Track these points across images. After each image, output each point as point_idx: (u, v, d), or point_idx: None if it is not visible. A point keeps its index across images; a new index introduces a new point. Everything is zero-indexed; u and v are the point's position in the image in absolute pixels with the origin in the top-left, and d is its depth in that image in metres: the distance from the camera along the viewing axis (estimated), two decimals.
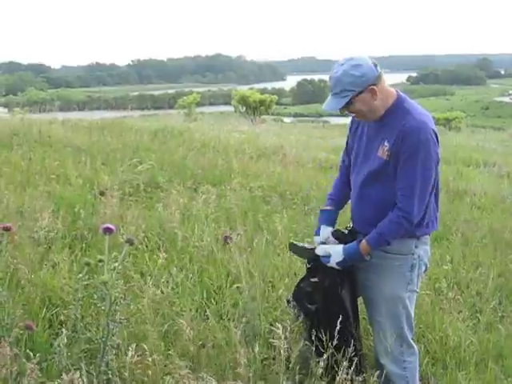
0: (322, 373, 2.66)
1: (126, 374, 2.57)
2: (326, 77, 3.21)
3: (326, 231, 2.96)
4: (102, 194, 5.55)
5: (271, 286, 3.93)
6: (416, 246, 2.78)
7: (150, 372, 2.63)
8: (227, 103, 44.15)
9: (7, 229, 2.85)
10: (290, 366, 2.75)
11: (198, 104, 30.39)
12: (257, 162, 8.72)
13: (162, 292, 3.48)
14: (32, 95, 76.13)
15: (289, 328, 2.75)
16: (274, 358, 2.82)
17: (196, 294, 3.72)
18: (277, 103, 30.13)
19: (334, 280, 2.85)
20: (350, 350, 2.71)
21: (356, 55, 2.64)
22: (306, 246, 3.01)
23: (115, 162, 7.45)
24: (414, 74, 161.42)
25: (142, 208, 5.59)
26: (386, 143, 2.65)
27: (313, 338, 2.86)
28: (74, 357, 2.61)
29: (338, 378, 2.57)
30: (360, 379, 2.68)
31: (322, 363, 2.57)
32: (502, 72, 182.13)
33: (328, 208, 3.06)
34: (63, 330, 2.57)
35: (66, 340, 2.49)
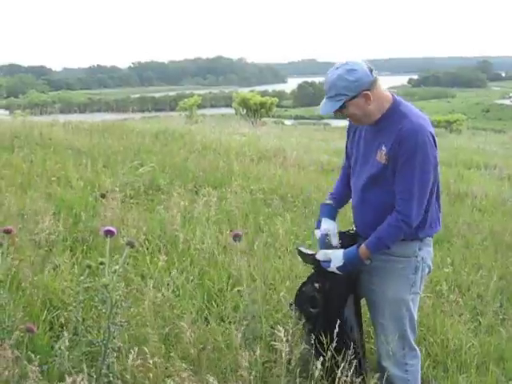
0: (322, 375, 2.66)
1: (128, 377, 2.57)
2: None
3: (327, 224, 2.95)
4: (103, 196, 5.55)
5: (272, 288, 3.93)
6: (420, 249, 2.78)
7: (151, 375, 2.63)
8: (228, 105, 44.18)
9: (8, 231, 2.85)
10: (291, 368, 2.75)
11: (199, 106, 30.45)
12: (258, 165, 8.72)
13: (163, 295, 3.47)
14: (33, 97, 76.31)
15: (291, 331, 2.75)
16: (274, 361, 2.82)
17: (197, 297, 3.72)
18: (278, 106, 30.19)
19: (337, 285, 2.85)
20: (350, 352, 2.71)
21: (352, 60, 2.64)
22: (308, 251, 3.02)
23: (116, 165, 7.46)
24: (415, 77, 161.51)
25: (143, 210, 5.59)
26: (383, 147, 2.65)
27: (312, 341, 2.86)
28: (74, 359, 2.61)
29: (337, 381, 2.57)
30: (359, 381, 2.68)
31: (319, 365, 2.56)
32: (503, 74, 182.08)
33: (328, 202, 3.06)
34: (64, 332, 2.57)
35: (67, 343, 2.49)
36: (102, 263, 2.60)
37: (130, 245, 2.66)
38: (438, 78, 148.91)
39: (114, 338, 2.56)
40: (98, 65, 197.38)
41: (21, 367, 2.40)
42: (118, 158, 7.93)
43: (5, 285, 2.71)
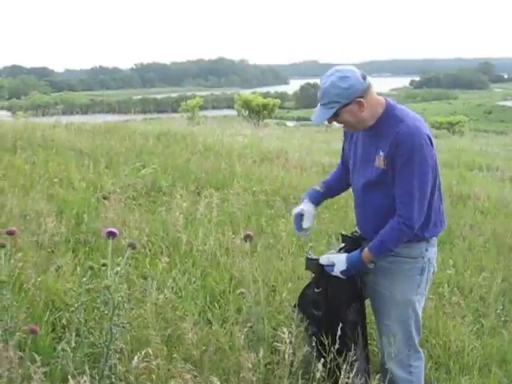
0: (324, 377, 2.66)
1: (132, 378, 2.57)
2: None
3: (306, 206, 3.01)
4: (105, 198, 5.56)
5: (275, 290, 3.93)
6: (426, 250, 2.79)
7: (153, 376, 2.63)
8: (230, 107, 44.20)
9: (11, 233, 2.85)
10: (293, 370, 2.75)
11: (201, 108, 30.49)
12: (260, 166, 8.71)
13: (165, 296, 3.48)
14: (35, 99, 76.42)
15: (294, 333, 2.75)
16: (277, 363, 2.82)
17: (199, 299, 3.72)
18: (280, 107, 30.19)
19: (339, 288, 2.86)
20: (351, 354, 2.71)
21: (345, 67, 2.66)
22: (312, 256, 3.03)
23: (118, 166, 7.46)
24: (417, 78, 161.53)
25: (144, 212, 5.59)
26: (381, 153, 2.65)
27: (313, 343, 2.86)
28: (77, 361, 2.61)
29: (340, 382, 2.57)
30: (361, 382, 2.68)
31: (320, 367, 2.56)
32: (505, 76, 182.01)
33: (317, 187, 3.09)
34: (67, 333, 2.58)
35: (74, 344, 2.49)
36: (104, 265, 2.60)
37: (132, 246, 2.66)
38: (440, 80, 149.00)
39: (116, 339, 2.57)
40: (100, 66, 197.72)
41: (24, 368, 2.40)
42: (120, 159, 7.94)
43: (8, 286, 2.71)
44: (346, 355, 2.69)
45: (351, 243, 2.90)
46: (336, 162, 3.28)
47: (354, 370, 2.61)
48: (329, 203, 6.61)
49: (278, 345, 2.67)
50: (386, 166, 2.65)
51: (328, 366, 2.68)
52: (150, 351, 2.69)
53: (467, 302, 4.38)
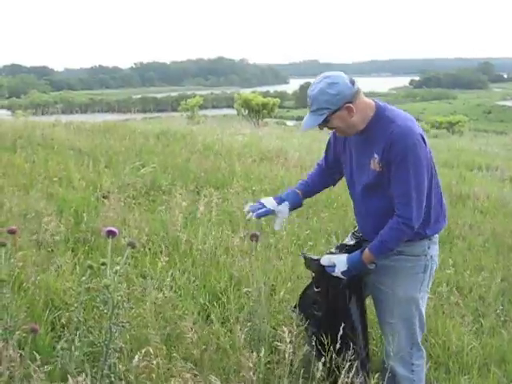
0: (324, 376, 2.67)
1: (132, 377, 2.57)
2: None
3: (285, 209, 3.01)
4: (105, 197, 5.56)
5: (274, 289, 3.93)
6: (429, 247, 2.81)
7: (153, 375, 2.63)
8: (230, 106, 44.20)
9: (12, 232, 2.85)
10: (293, 369, 2.75)
11: (201, 107, 30.49)
12: (259, 165, 8.71)
13: (164, 295, 3.48)
14: (35, 98, 76.39)
15: (295, 332, 2.75)
16: (277, 362, 2.82)
17: (198, 298, 3.72)
18: (279, 106, 30.17)
19: (340, 288, 2.86)
20: (350, 353, 2.71)
21: (333, 73, 2.66)
22: (313, 257, 3.03)
23: (118, 165, 7.46)
24: (417, 78, 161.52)
25: (144, 211, 5.59)
26: (375, 155, 2.66)
27: (313, 343, 2.87)
28: (76, 360, 2.61)
29: (339, 381, 2.57)
30: (361, 381, 2.68)
31: (321, 366, 2.57)
32: (505, 76, 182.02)
33: (298, 192, 3.08)
34: (66, 332, 2.57)
35: (77, 342, 2.49)
36: (103, 264, 2.60)
37: (132, 245, 2.66)
38: (440, 80, 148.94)
39: (116, 338, 2.57)
40: (99, 65, 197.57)
41: (24, 367, 2.40)
42: (119, 158, 7.94)
43: (8, 285, 2.71)
44: (346, 354, 2.70)
45: (350, 249, 2.91)
46: None
47: (354, 369, 2.61)
48: (328, 202, 6.62)
49: (279, 344, 2.67)
50: (381, 169, 2.65)
51: (327, 365, 2.68)
52: (150, 350, 2.70)
53: (466, 301, 4.39)
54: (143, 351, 2.61)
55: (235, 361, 2.92)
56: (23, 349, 2.49)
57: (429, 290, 2.95)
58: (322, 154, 3.13)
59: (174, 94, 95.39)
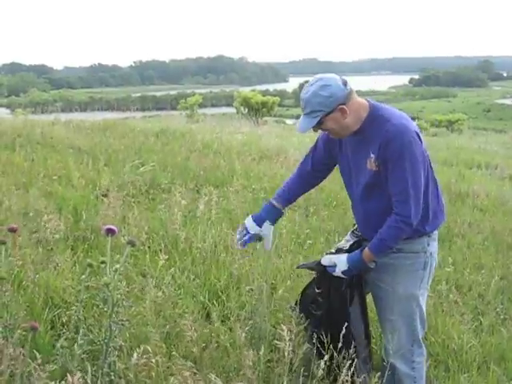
0: (324, 375, 2.67)
1: (131, 376, 2.57)
2: None
3: (268, 229, 3.02)
4: (104, 195, 5.56)
5: (275, 288, 3.93)
6: (428, 244, 2.81)
7: (153, 374, 2.63)
8: (229, 105, 44.21)
9: (13, 230, 2.84)
10: (293, 368, 2.75)
11: (200, 105, 30.47)
12: (259, 164, 8.71)
13: (164, 293, 3.48)
14: (34, 96, 76.28)
15: (295, 331, 2.75)
16: (277, 361, 2.82)
17: (198, 296, 3.72)
18: (279, 105, 30.14)
19: (340, 287, 2.86)
20: (351, 351, 2.72)
21: (325, 75, 2.66)
22: (306, 263, 3.05)
23: (117, 164, 7.46)
24: (416, 76, 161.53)
25: (144, 209, 5.59)
26: (371, 155, 2.66)
27: (314, 340, 2.87)
28: (76, 358, 2.61)
29: (340, 380, 2.57)
30: (361, 380, 2.68)
31: (323, 364, 2.58)
32: (504, 74, 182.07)
33: (275, 204, 3.06)
34: (67, 331, 2.57)
35: (80, 341, 2.49)
36: (103, 262, 2.60)
37: (131, 244, 2.65)
38: (439, 78, 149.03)
39: (116, 336, 2.56)
40: (99, 63, 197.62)
41: (24, 365, 2.39)
42: (119, 156, 7.93)
43: (7, 283, 2.71)
44: (347, 353, 2.70)
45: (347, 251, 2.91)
46: None
47: (355, 367, 2.62)
48: (328, 201, 6.63)
49: (278, 343, 2.67)
50: (377, 168, 2.66)
51: (328, 364, 2.68)
52: (148, 348, 2.70)
53: (466, 299, 4.39)
54: (142, 349, 2.61)
55: (235, 359, 2.92)
56: (23, 347, 2.49)
57: (428, 287, 2.96)
58: (303, 158, 3.12)
59: (173, 92, 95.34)
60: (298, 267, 3.12)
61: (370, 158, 2.67)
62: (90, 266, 2.75)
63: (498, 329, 4.05)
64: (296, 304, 3.10)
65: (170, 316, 3.32)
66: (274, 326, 3.26)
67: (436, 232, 2.86)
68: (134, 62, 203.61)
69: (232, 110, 32.26)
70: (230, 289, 3.82)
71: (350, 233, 3.05)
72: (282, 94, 69.14)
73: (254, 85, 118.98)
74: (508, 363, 3.62)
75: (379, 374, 2.79)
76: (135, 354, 2.54)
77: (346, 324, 2.74)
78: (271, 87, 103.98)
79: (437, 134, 28.29)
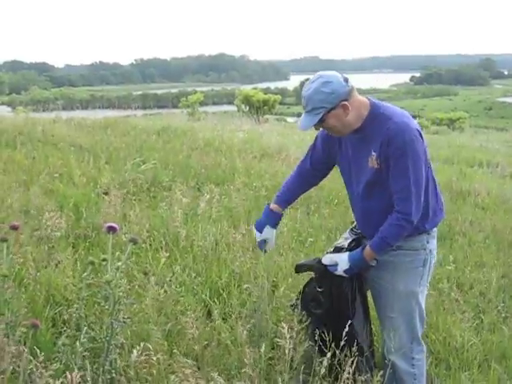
0: (325, 373, 2.67)
1: (132, 373, 2.57)
2: None
3: (268, 233, 3.05)
4: (105, 193, 5.56)
5: (276, 285, 3.93)
6: (427, 241, 2.81)
7: (154, 371, 2.63)
8: (230, 103, 44.12)
9: (15, 228, 2.84)
10: (294, 365, 2.75)
11: (202, 103, 30.42)
12: (260, 162, 8.71)
13: (165, 291, 3.48)
14: (35, 94, 76.26)
15: (296, 328, 2.75)
16: (278, 359, 2.82)
17: (199, 293, 3.73)
18: (280, 103, 30.07)
19: (342, 285, 2.86)
20: (354, 349, 2.72)
21: (326, 72, 2.65)
22: (304, 262, 3.05)
23: (119, 161, 7.46)
24: (418, 74, 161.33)
25: (145, 207, 5.59)
26: (373, 153, 2.66)
27: (316, 337, 2.87)
28: (78, 356, 2.61)
29: (343, 378, 2.57)
30: (363, 379, 2.68)
31: (325, 362, 2.58)
32: (506, 72, 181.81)
33: (276, 208, 3.09)
34: (68, 329, 2.57)
35: (83, 339, 2.49)
36: (104, 260, 2.60)
37: (133, 241, 2.65)
38: (441, 76, 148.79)
39: (117, 334, 2.56)
40: (100, 61, 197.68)
41: (25, 363, 2.40)
42: (120, 154, 7.94)
43: (9, 280, 2.71)
44: (350, 351, 2.70)
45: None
46: None
47: (357, 365, 2.62)
48: (329, 199, 6.63)
49: (279, 340, 2.67)
50: (379, 165, 2.65)
51: (329, 362, 2.68)
52: (150, 346, 2.70)
53: (467, 297, 4.39)
54: (141, 346, 2.61)
55: (236, 357, 2.92)
56: (25, 344, 2.49)
57: (428, 285, 2.96)
58: (303, 157, 3.12)
59: (174, 90, 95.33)
60: (297, 267, 3.09)
61: (371, 156, 2.67)
62: (92, 263, 2.75)
63: (499, 327, 4.04)
64: (296, 301, 3.10)
65: (172, 314, 3.33)
66: (275, 324, 3.26)
67: (435, 229, 2.86)
68: (135, 60, 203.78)
69: (233, 108, 32.19)
70: (231, 286, 3.82)
71: (348, 230, 3.05)
72: (283, 92, 69.06)
73: (256, 83, 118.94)
74: (509, 361, 3.62)
75: (381, 372, 2.79)
76: (136, 352, 2.54)
77: (350, 322, 2.74)
78: (272, 85, 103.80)
79: (438, 132, 28.25)
